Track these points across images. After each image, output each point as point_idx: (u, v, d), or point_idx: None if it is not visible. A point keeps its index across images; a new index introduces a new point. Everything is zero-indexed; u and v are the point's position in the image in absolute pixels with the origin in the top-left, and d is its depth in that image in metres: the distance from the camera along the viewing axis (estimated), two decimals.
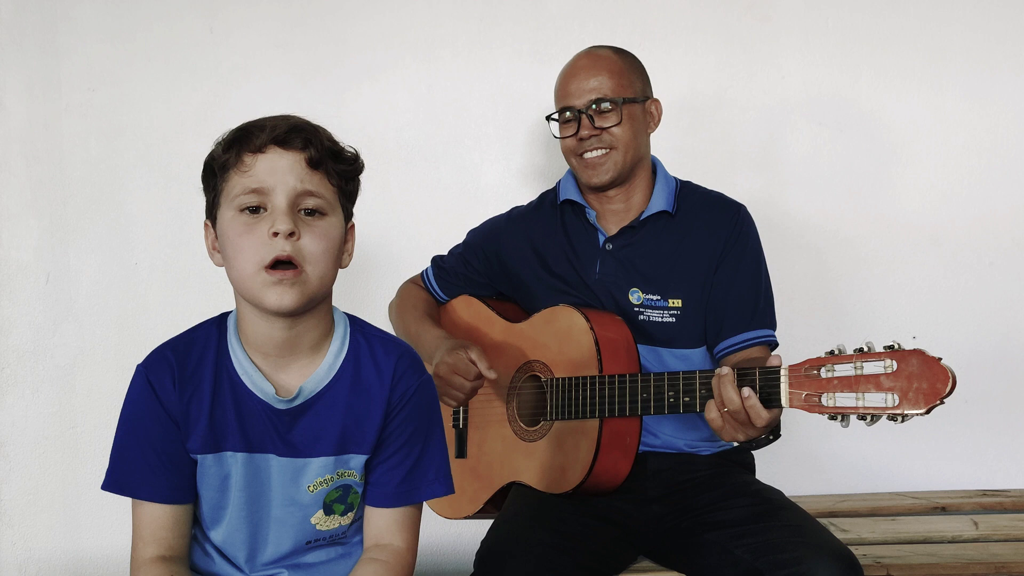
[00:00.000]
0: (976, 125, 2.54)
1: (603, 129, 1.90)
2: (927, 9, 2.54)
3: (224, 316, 1.40)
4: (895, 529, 2.19)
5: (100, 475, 1.37)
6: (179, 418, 1.34)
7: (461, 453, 2.01)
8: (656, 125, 1.99)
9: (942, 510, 2.35)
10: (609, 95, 1.91)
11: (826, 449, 2.42)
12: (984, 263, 2.55)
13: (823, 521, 1.99)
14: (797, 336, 2.27)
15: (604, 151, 1.91)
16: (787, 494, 1.81)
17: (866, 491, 2.49)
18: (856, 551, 1.64)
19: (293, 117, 1.33)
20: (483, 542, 1.72)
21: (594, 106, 1.90)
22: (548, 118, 1.99)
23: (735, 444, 1.66)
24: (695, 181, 2.03)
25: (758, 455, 1.96)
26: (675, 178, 2.01)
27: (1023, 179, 2.55)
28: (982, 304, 2.54)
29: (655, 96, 1.99)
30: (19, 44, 2.47)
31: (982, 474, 2.52)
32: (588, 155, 1.92)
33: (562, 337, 1.87)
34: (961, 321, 2.53)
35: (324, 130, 1.34)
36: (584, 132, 1.91)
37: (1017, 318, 2.54)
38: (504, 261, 2.05)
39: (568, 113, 1.94)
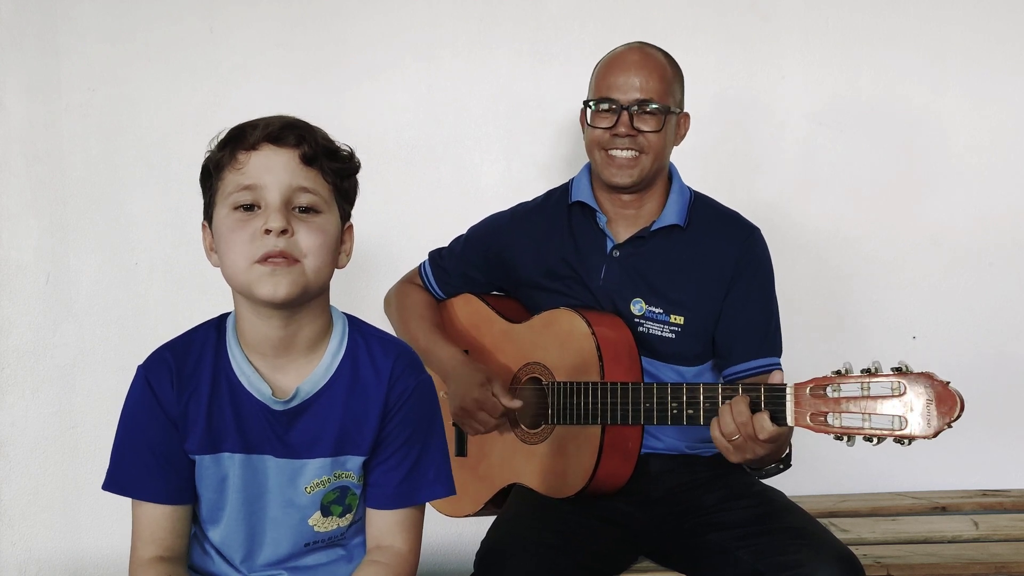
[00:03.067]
0: (976, 125, 2.54)
1: (640, 131, 1.86)
2: (927, 9, 2.54)
3: (224, 317, 1.40)
4: (895, 529, 2.19)
5: (100, 475, 1.37)
6: (177, 419, 1.34)
7: (461, 451, 2.00)
8: (682, 139, 1.97)
9: (942, 510, 2.36)
10: (656, 99, 1.86)
11: (827, 449, 2.41)
12: (984, 263, 2.55)
13: (823, 521, 1.99)
14: (797, 337, 2.27)
15: (634, 153, 1.87)
16: (788, 495, 1.81)
17: (866, 491, 2.49)
18: (856, 551, 1.64)
19: (287, 116, 1.33)
20: (483, 542, 1.72)
21: (638, 106, 1.86)
22: (585, 103, 1.92)
23: (748, 467, 1.66)
24: (694, 181, 2.02)
25: None
26: (690, 189, 1.98)
27: (1023, 179, 2.55)
28: (982, 304, 2.54)
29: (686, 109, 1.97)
30: (19, 44, 2.47)
31: (982, 474, 2.52)
32: (617, 153, 1.87)
33: (563, 341, 1.86)
34: (961, 321, 2.54)
35: (319, 129, 1.34)
36: (622, 129, 1.85)
37: (1017, 318, 2.55)
38: (505, 260, 2.02)
39: (607, 105, 1.88)
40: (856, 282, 2.55)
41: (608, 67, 1.91)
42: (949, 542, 2.10)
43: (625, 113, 1.86)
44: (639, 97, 1.86)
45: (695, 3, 2.53)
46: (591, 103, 1.91)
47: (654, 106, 1.86)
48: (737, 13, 2.53)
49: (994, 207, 2.54)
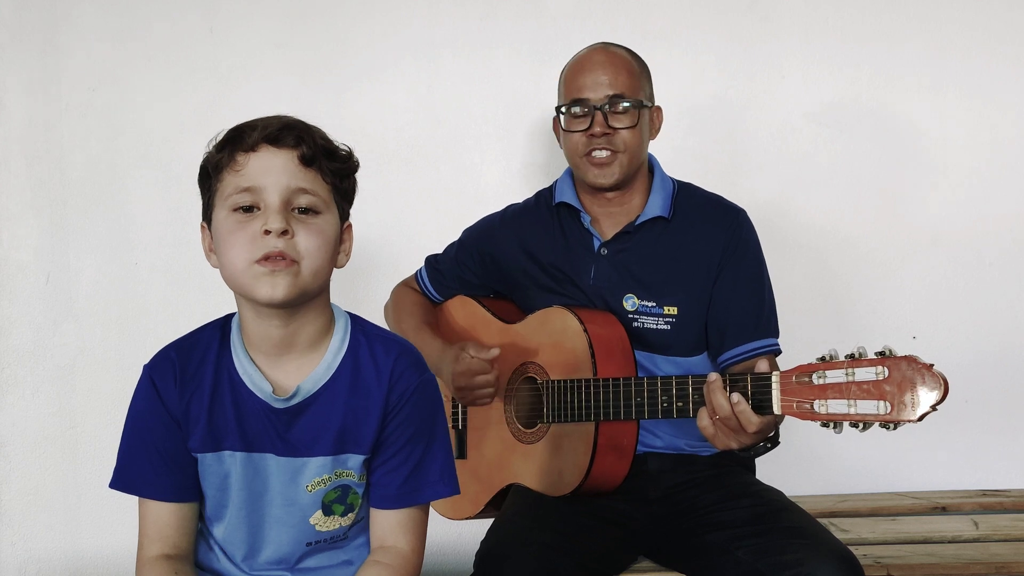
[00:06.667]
0: (976, 125, 2.54)
1: (615, 130, 1.86)
2: (927, 9, 2.54)
3: (229, 316, 1.41)
4: (895, 529, 2.19)
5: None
6: (180, 417, 1.34)
7: (461, 454, 2.00)
8: (656, 133, 1.97)
9: (942, 510, 2.35)
10: (627, 94, 1.87)
11: (826, 449, 2.42)
12: (984, 263, 2.55)
13: (823, 521, 1.99)
14: (797, 337, 2.27)
15: (610, 153, 1.86)
16: (787, 494, 1.81)
17: (866, 491, 2.49)
18: (856, 551, 1.64)
19: (286, 116, 1.33)
20: (483, 542, 1.72)
21: (609, 105, 1.86)
22: (558, 109, 1.92)
23: (738, 452, 1.65)
24: (695, 182, 2.02)
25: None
26: (672, 179, 1.98)
27: (1023, 179, 2.55)
28: (982, 304, 2.54)
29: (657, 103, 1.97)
30: (19, 44, 2.47)
31: (982, 474, 2.52)
32: (596, 154, 1.87)
33: (556, 339, 1.86)
34: (961, 321, 2.53)
35: (317, 129, 1.34)
36: (597, 129, 1.85)
37: (1017, 318, 2.54)
38: (498, 261, 2.03)
39: (579, 108, 1.88)
40: (856, 282, 2.55)
41: (574, 70, 1.92)
42: (949, 542, 2.10)
43: (599, 113, 1.86)
44: (610, 93, 1.86)
45: (695, 3, 2.53)
46: (563, 108, 1.91)
47: (626, 103, 1.86)
48: (737, 13, 2.53)
49: (994, 207, 2.54)
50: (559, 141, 1.99)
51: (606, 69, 1.88)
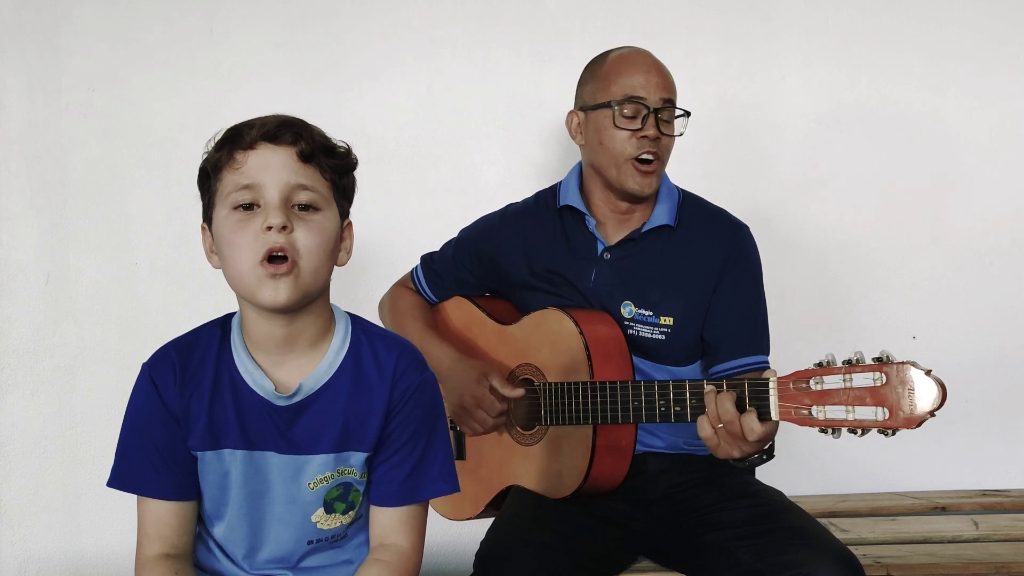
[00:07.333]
0: (976, 125, 2.54)
1: (662, 135, 1.82)
2: (927, 9, 2.54)
3: (229, 315, 1.41)
4: (895, 529, 2.19)
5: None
6: (180, 416, 1.34)
7: (460, 455, 2.00)
8: None
9: (942, 510, 2.36)
10: (675, 101, 1.85)
11: (826, 449, 2.41)
12: (984, 263, 2.55)
13: (823, 521, 1.99)
14: (797, 337, 2.28)
15: (654, 160, 1.83)
16: (787, 494, 1.81)
17: (866, 491, 2.49)
18: (856, 551, 1.64)
19: (283, 115, 1.33)
20: (483, 542, 1.71)
21: (663, 109, 1.82)
22: (609, 104, 1.83)
23: (731, 461, 1.65)
24: (695, 182, 2.02)
25: None
26: (678, 188, 1.97)
27: (1023, 179, 2.55)
28: (982, 304, 2.54)
29: None
30: (19, 44, 2.47)
31: (982, 474, 2.52)
32: (645, 158, 1.82)
33: (552, 341, 1.85)
34: (961, 321, 2.54)
35: (315, 127, 1.34)
36: (651, 132, 1.80)
37: (1017, 318, 2.55)
38: (497, 261, 2.01)
39: (633, 107, 1.82)
40: (856, 282, 2.55)
41: (624, 66, 1.85)
42: (949, 542, 2.10)
43: (652, 116, 1.82)
44: (664, 96, 1.83)
45: (695, 3, 2.53)
46: (613, 105, 1.83)
47: (678, 110, 1.85)
48: (737, 13, 2.53)
49: (994, 207, 2.55)
50: (578, 138, 1.93)
51: (660, 72, 1.85)
